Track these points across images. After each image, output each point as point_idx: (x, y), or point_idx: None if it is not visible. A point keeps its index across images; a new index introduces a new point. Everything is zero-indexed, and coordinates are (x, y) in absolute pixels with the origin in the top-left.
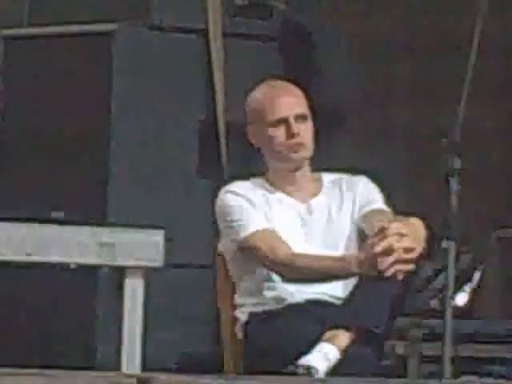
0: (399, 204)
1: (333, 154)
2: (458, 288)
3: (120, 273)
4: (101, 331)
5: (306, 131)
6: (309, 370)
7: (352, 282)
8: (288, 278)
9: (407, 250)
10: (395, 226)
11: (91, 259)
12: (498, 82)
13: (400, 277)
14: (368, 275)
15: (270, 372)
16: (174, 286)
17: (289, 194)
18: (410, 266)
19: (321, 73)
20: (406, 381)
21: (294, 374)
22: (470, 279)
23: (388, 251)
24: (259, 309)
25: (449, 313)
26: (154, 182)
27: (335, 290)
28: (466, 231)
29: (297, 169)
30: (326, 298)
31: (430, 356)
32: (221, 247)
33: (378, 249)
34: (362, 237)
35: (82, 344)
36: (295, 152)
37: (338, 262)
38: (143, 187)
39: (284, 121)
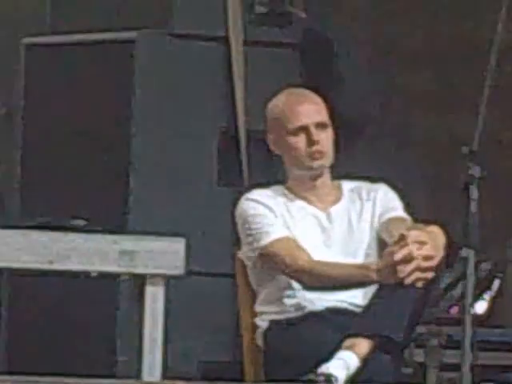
0: (419, 212)
1: (353, 163)
2: (478, 296)
3: (140, 281)
4: (121, 339)
5: (326, 139)
6: (328, 378)
7: (372, 289)
8: (308, 286)
9: (427, 258)
10: (415, 234)
11: (112, 267)
12: None
13: (420, 285)
14: (388, 283)
15: (290, 380)
16: (194, 294)
17: (309, 201)
18: (430, 274)
19: (341, 81)
20: None
21: (314, 381)
22: (489, 287)
23: (408, 259)
24: (279, 316)
25: (468, 321)
26: (174, 190)
27: (355, 298)
28: (486, 239)
29: (317, 177)
30: (345, 305)
31: (449, 364)
32: (241, 255)
33: (398, 256)
34: (381, 244)
35: (102, 352)
36: (315, 160)
37: (358, 269)
38: (164, 195)
39: (304, 129)
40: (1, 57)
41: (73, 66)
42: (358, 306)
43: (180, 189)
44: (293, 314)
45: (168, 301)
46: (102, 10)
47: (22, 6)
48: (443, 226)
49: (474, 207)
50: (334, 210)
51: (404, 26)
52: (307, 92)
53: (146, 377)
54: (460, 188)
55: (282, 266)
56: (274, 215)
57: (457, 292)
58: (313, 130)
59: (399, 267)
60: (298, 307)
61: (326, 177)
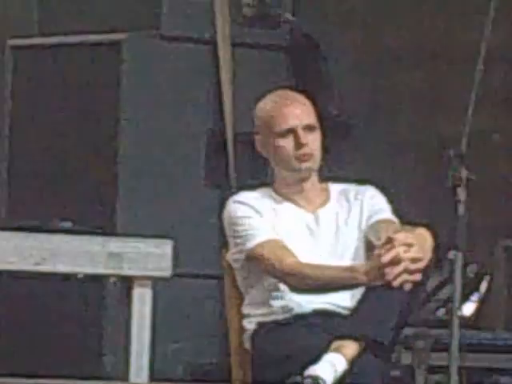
0: (406, 214)
1: (341, 164)
2: (465, 298)
3: (128, 283)
4: (109, 341)
5: (314, 141)
6: (316, 381)
7: (359, 292)
8: (295, 288)
9: (414, 260)
10: (402, 236)
11: (99, 269)
12: (505, 93)
13: (407, 287)
14: (375, 285)
15: (277, 382)
16: (181, 296)
17: (296, 204)
18: (417, 276)
19: (329, 83)
20: None
21: None
22: (476, 289)
23: (395, 261)
24: (267, 319)
25: (456, 323)
26: (162, 193)
27: (343, 300)
28: (473, 241)
29: (304, 179)
30: (333, 307)
31: (436, 366)
32: (228, 257)
33: (386, 259)
34: (369, 247)
35: (89, 354)
36: (303, 162)
37: (346, 271)
38: (152, 197)
39: (292, 131)
40: None
41: (60, 68)
42: (345, 308)
43: (167, 191)
44: (280, 316)
45: (155, 303)
46: (90, 12)
47: (9, 8)
48: (431, 228)
49: (461, 209)
50: (322, 212)
51: (392, 27)
52: (295, 94)
53: (133, 378)
54: (448, 190)
55: (270, 268)
56: (261, 217)
57: (444, 294)
58: (301, 132)
59: (387, 269)
60: (286, 309)
61: (314, 179)
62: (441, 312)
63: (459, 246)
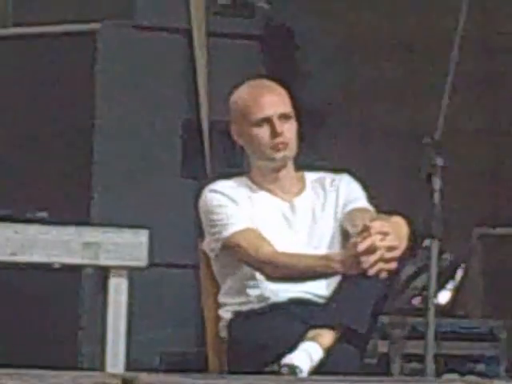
0: (382, 202)
1: (316, 153)
2: (441, 286)
3: (104, 273)
4: (84, 331)
5: (289, 130)
6: (292, 369)
7: (335, 280)
8: (271, 277)
9: (390, 249)
10: (378, 225)
11: (75, 259)
12: (480, 81)
13: (383, 275)
14: (351, 274)
15: (254, 371)
16: (157, 286)
17: (272, 192)
18: (393, 265)
19: (304, 72)
20: (389, 379)
21: (278, 373)
22: (452, 277)
23: (371, 250)
24: (243, 308)
25: (431, 311)
26: (137, 182)
27: (319, 289)
28: (448, 229)
29: (280, 168)
30: (309, 296)
31: (412, 354)
32: (204, 246)
33: (361, 247)
34: (345, 235)
35: (66, 344)
36: (279, 151)
37: (321, 260)
38: (127, 187)
39: (268, 120)
40: None
41: (35, 58)
42: (321, 296)
43: (143, 180)
44: (256, 305)
45: (131, 292)
46: (64, 2)
47: None
48: (406, 217)
49: (436, 197)
50: (298, 200)
51: (367, 17)
52: (270, 83)
53: (109, 368)
54: (423, 178)
55: (245, 257)
56: (237, 206)
57: (420, 282)
58: (276, 121)
59: (363, 258)
60: (262, 298)
61: (290, 168)
62: (416, 300)
63: (434, 234)
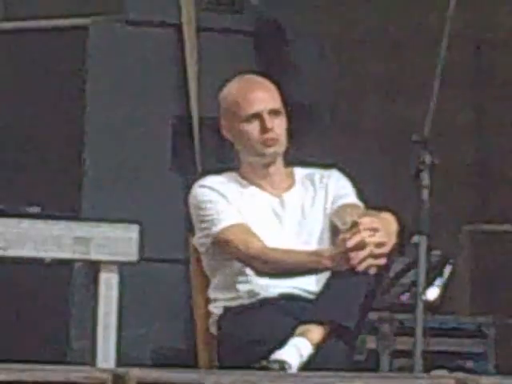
0: (371, 198)
1: (305, 149)
2: (429, 283)
3: (94, 267)
4: (75, 326)
5: (279, 126)
6: (282, 365)
7: (325, 276)
8: (261, 272)
9: (379, 245)
10: (367, 221)
11: (66, 254)
12: (468, 77)
13: (372, 271)
14: (340, 270)
15: (243, 367)
16: (148, 281)
17: (262, 188)
18: (382, 261)
19: (293, 68)
20: (378, 375)
21: (267, 368)
22: (440, 274)
23: (360, 246)
24: (233, 303)
25: (420, 307)
26: (128, 177)
27: (308, 285)
28: (437, 226)
29: (270, 163)
30: (299, 292)
31: (401, 350)
32: (194, 241)
33: (351, 243)
34: (334, 231)
35: (56, 339)
36: (269, 147)
37: (311, 256)
38: (118, 182)
39: (258, 116)
40: None
41: (26, 53)
42: (311, 292)
43: (134, 175)
44: (246, 301)
45: (122, 287)
46: None
47: None
48: (395, 213)
49: (425, 194)
50: (287, 196)
51: (356, 13)
52: (260, 79)
53: (100, 363)
54: (412, 175)
55: (235, 252)
56: (226, 201)
57: (408, 279)
58: (266, 116)
59: (352, 254)
60: (252, 294)
61: (279, 163)
62: (405, 297)
63: (423, 230)
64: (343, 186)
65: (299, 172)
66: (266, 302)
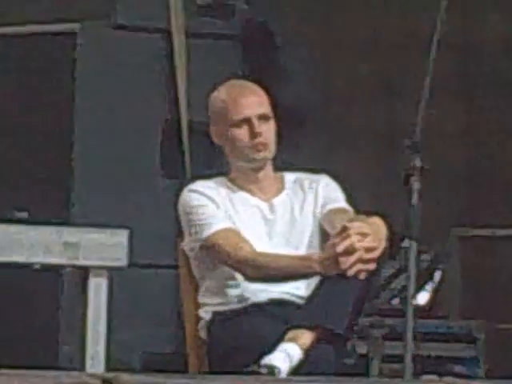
0: (361, 203)
1: (295, 154)
2: (419, 287)
3: (84, 272)
4: (64, 331)
5: (268, 131)
6: (271, 370)
7: (314, 281)
8: (250, 277)
9: (369, 250)
10: (357, 226)
11: (55, 259)
12: (458, 82)
13: (362, 276)
14: (330, 274)
15: (234, 371)
16: (137, 286)
17: (251, 193)
18: (372, 266)
19: (283, 72)
20: (368, 380)
21: (257, 373)
22: (431, 278)
23: (350, 251)
24: (222, 308)
25: (410, 312)
26: (117, 182)
27: (298, 290)
28: (427, 230)
29: (259, 168)
30: (288, 297)
31: (391, 355)
32: (184, 246)
33: (340, 248)
34: (324, 236)
35: (46, 344)
36: (258, 152)
37: (301, 261)
38: (107, 187)
39: (247, 121)
40: None
41: (16, 58)
42: (300, 297)
43: (123, 180)
44: (236, 306)
45: (111, 292)
46: (45, 2)
47: None
48: (385, 218)
49: (415, 198)
50: (277, 201)
51: (346, 18)
52: (249, 84)
53: (89, 368)
54: (402, 179)
55: (225, 257)
56: (216, 206)
57: (398, 283)
58: (255, 121)
59: (341, 259)
60: (241, 298)
61: (269, 168)
62: (395, 301)
63: (413, 235)
64: (333, 191)
65: (288, 177)
66: (256, 307)
